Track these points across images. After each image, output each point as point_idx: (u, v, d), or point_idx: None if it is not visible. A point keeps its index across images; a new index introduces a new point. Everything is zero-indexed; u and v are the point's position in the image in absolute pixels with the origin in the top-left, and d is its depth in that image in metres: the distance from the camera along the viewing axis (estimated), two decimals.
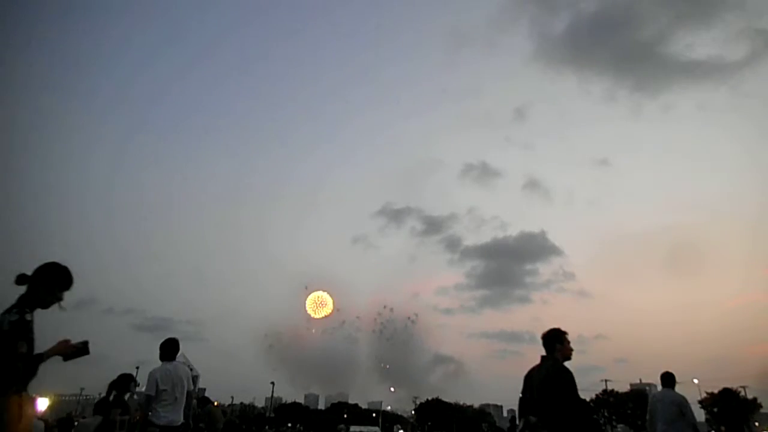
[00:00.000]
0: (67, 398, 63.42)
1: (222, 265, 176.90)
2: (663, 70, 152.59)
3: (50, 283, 2.59)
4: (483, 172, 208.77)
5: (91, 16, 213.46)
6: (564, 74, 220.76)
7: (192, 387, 5.27)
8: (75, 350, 2.71)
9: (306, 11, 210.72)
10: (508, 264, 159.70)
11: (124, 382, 5.60)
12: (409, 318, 54.23)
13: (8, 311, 2.44)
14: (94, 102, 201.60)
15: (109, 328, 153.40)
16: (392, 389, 60.21)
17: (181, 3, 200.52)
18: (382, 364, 58.93)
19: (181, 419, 4.95)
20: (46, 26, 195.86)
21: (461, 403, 71.09)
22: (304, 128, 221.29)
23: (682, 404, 5.86)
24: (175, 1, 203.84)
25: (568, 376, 3.55)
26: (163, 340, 5.33)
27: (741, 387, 49.33)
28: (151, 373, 4.97)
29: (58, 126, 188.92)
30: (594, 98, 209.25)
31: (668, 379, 6.15)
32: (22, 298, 2.51)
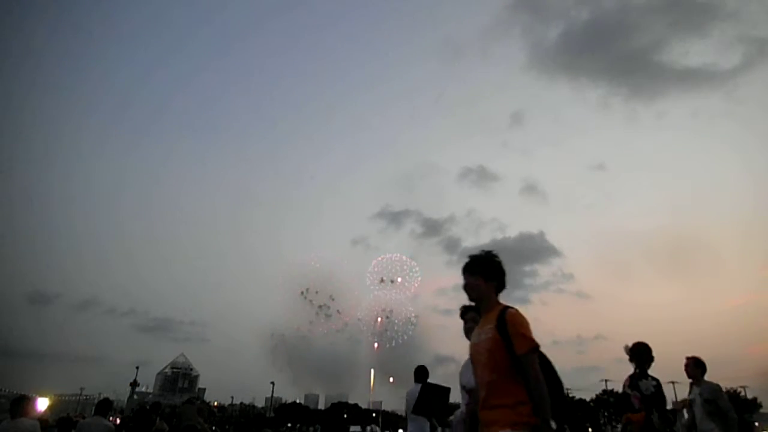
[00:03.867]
0: (66, 398, 63.40)
1: (224, 267, 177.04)
2: (657, 77, 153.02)
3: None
4: (481, 176, 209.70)
5: (98, 18, 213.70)
6: (558, 82, 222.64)
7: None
8: None
9: (309, 25, 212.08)
10: (506, 265, 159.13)
11: None
12: (409, 319, 54.49)
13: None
14: (102, 104, 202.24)
15: (111, 328, 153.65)
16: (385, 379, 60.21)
17: (190, 7, 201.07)
18: (390, 379, 59.38)
19: None
20: (54, 32, 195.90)
21: None
22: (308, 134, 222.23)
23: None
24: (185, 5, 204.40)
25: None
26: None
27: (741, 387, 49.36)
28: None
29: (65, 128, 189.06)
30: (589, 105, 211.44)
31: None
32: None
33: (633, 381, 3.80)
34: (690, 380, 5.21)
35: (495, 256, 2.58)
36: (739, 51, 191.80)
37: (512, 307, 2.38)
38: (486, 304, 2.48)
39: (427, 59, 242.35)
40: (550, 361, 2.38)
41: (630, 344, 4.11)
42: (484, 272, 2.51)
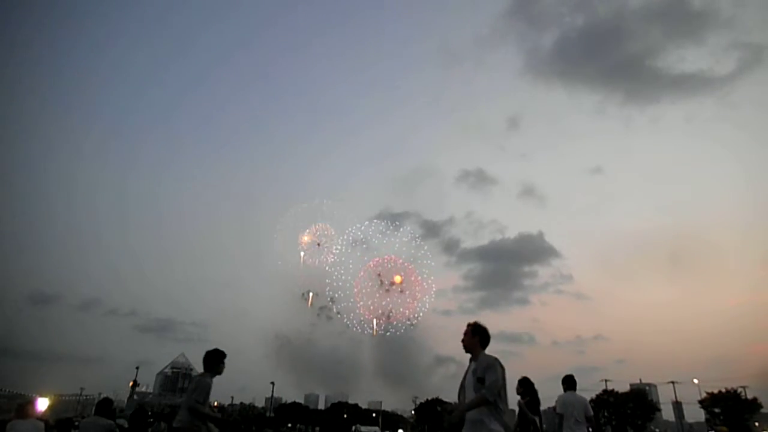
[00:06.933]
0: (67, 398, 63.27)
1: (225, 269, 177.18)
2: (653, 83, 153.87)
3: None
4: (479, 179, 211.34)
5: (103, 19, 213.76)
6: (554, 87, 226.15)
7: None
8: None
9: (311, 32, 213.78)
10: (506, 266, 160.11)
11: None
12: (408, 320, 54.51)
13: None
14: (106, 105, 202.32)
15: (112, 329, 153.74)
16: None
17: (194, 12, 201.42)
18: (388, 371, 59.63)
19: None
20: (61, 34, 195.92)
21: None
22: (309, 138, 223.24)
23: None
24: (189, 9, 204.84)
25: None
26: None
27: (741, 387, 49.27)
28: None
29: (69, 128, 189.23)
30: (585, 110, 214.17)
31: None
32: None
33: None
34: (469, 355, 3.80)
35: None
36: (734, 57, 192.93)
37: None
38: None
39: (425, 65, 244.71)
40: None
41: None
42: None
